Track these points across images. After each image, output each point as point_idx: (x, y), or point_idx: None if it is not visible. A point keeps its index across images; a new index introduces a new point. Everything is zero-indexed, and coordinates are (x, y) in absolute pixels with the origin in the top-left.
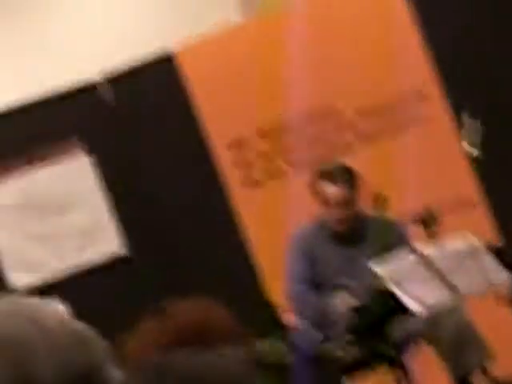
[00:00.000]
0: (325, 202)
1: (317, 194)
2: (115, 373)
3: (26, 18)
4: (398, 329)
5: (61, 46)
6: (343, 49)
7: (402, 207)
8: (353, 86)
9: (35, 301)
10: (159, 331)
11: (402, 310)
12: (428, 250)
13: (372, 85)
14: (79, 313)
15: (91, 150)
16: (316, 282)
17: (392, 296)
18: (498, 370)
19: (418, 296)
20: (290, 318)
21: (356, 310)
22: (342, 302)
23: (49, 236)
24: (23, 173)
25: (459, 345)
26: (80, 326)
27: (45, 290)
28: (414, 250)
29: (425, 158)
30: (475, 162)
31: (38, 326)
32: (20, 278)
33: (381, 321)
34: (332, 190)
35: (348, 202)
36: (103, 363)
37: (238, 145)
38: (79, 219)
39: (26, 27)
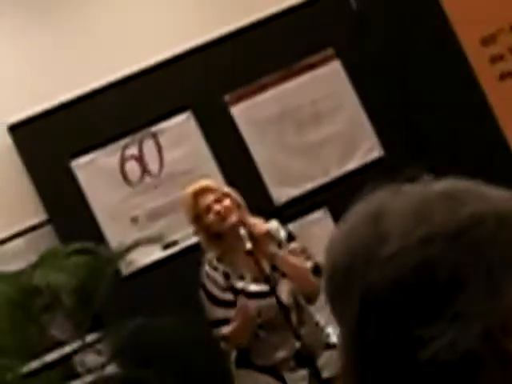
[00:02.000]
0: None
1: None
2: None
3: None
4: None
5: None
6: None
7: None
8: None
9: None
10: None
11: None
12: None
13: None
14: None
15: (341, 56)
16: None
17: None
18: None
19: None
20: None
21: None
22: None
23: (308, 146)
24: (278, 85)
25: None
26: None
27: (308, 202)
28: None
29: None
30: None
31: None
32: (282, 193)
33: None
34: None
35: None
36: None
37: (490, 40)
38: (336, 126)
39: None
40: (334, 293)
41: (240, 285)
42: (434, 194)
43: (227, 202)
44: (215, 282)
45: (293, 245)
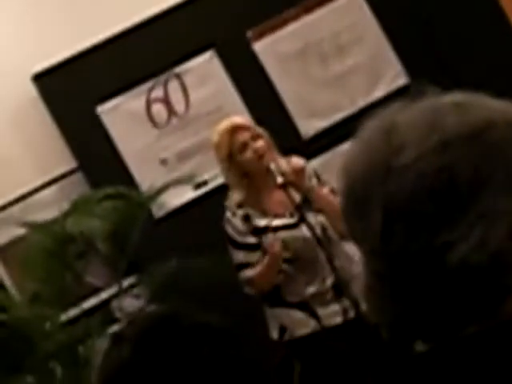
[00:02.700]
0: None
1: None
2: None
3: None
4: None
5: None
6: None
7: None
8: None
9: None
10: None
11: None
12: None
13: None
14: None
15: None
16: None
17: None
18: None
19: None
20: None
21: None
22: None
23: (333, 78)
24: (300, 19)
25: None
26: None
27: (336, 134)
28: None
29: None
30: None
31: None
32: (310, 125)
33: None
34: None
35: None
36: None
37: None
38: (360, 56)
39: None
40: (353, 210)
41: (263, 222)
42: (442, 105)
43: (261, 142)
44: (234, 228)
45: (321, 185)
